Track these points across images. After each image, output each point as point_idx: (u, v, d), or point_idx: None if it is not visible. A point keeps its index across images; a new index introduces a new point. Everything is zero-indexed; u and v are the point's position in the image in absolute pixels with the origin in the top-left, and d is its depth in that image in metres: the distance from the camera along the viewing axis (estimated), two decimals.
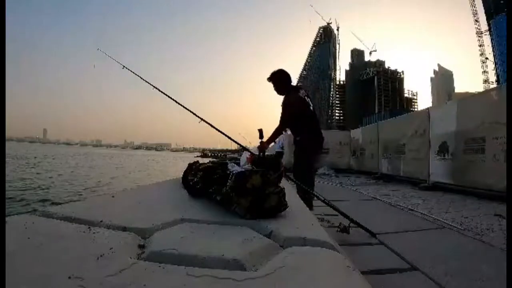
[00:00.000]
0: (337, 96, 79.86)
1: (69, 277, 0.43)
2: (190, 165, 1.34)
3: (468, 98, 5.44)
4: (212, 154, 60.91)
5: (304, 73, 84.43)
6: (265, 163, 1.41)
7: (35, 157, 26.05)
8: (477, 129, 4.29)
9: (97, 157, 36.18)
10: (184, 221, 0.79)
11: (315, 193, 2.50)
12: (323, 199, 2.42)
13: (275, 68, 3.06)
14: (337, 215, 2.22)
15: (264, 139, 2.61)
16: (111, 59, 2.31)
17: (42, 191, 8.09)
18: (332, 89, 78.68)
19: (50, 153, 37.45)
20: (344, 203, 3.51)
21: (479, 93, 5.71)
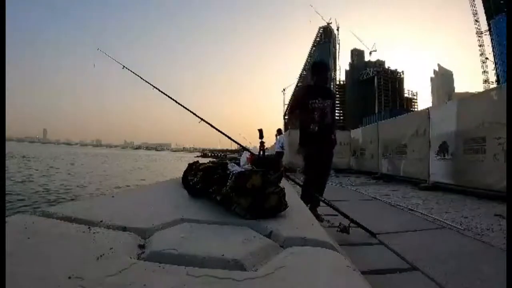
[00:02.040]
0: (337, 96, 79.92)
1: (69, 277, 0.43)
2: (190, 165, 1.34)
3: (468, 98, 5.44)
4: (212, 154, 60.91)
5: (304, 73, 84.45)
6: (265, 163, 1.41)
7: None
8: (477, 129, 4.29)
9: (94, 159, 30.08)
10: (184, 221, 0.79)
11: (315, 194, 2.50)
12: (323, 199, 2.42)
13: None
14: (337, 215, 2.22)
15: (264, 139, 2.61)
16: (111, 59, 2.31)
17: None
18: (332, 89, 78.70)
19: (40, 154, 30.97)
20: (344, 203, 3.50)
21: (479, 93, 5.72)
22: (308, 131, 2.61)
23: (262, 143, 3.01)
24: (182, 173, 1.36)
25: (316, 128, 2.53)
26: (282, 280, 0.48)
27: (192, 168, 1.29)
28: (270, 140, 11.26)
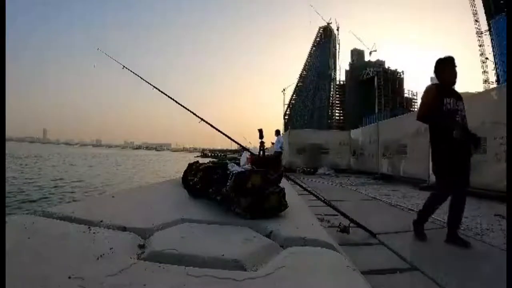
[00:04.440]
0: (337, 96, 79.89)
1: (69, 277, 0.43)
2: (190, 165, 1.34)
3: (468, 98, 5.43)
4: (212, 154, 60.97)
5: (304, 73, 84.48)
6: (265, 163, 1.41)
7: None
8: (478, 129, 4.29)
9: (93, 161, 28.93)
10: (184, 221, 0.79)
11: (314, 193, 2.50)
12: (323, 199, 2.42)
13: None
14: (337, 215, 2.22)
15: (264, 139, 2.59)
16: (111, 59, 2.31)
17: None
18: (332, 89, 78.71)
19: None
20: (344, 203, 3.51)
21: (479, 93, 5.71)
22: (449, 138, 2.14)
23: (262, 143, 3.01)
24: (182, 173, 1.36)
25: (459, 134, 2.10)
26: (282, 280, 0.48)
27: (192, 168, 1.29)
28: (270, 140, 11.27)
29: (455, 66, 2.27)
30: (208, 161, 1.38)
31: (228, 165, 1.09)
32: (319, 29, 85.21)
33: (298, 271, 0.52)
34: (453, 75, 2.27)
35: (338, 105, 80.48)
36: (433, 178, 5.16)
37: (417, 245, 2.01)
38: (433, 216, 2.87)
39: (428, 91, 2.31)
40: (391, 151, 6.99)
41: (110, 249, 0.55)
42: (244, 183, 0.87)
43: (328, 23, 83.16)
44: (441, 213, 3.05)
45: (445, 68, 2.28)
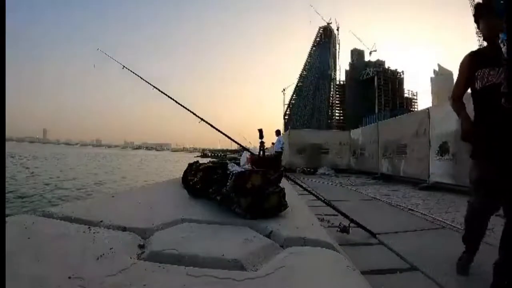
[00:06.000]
0: (337, 96, 79.97)
1: (69, 277, 0.43)
2: (190, 165, 1.34)
3: (468, 97, 5.43)
4: (212, 154, 61.04)
5: (304, 73, 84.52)
6: (265, 163, 1.40)
7: None
8: None
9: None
10: (184, 221, 0.79)
11: (314, 193, 2.50)
12: (323, 199, 2.42)
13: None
14: (337, 215, 2.22)
15: (264, 139, 2.59)
16: (111, 59, 2.31)
17: None
18: (332, 89, 78.78)
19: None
20: (344, 203, 3.51)
21: None
22: (481, 130, 1.45)
23: (262, 143, 3.01)
24: (182, 173, 1.36)
25: (494, 122, 1.36)
26: (282, 280, 0.48)
27: (192, 168, 1.29)
28: (270, 139, 11.28)
29: (496, 14, 1.45)
30: (208, 161, 1.38)
31: (228, 165, 1.10)
32: (319, 29, 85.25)
33: (298, 271, 0.52)
34: (492, 27, 1.45)
35: (338, 105, 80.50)
36: (433, 178, 5.18)
37: (417, 245, 2.01)
38: (432, 216, 2.88)
39: (461, 64, 1.60)
40: (391, 151, 6.99)
41: (110, 249, 0.55)
42: (244, 183, 0.87)
43: (328, 23, 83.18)
44: (442, 213, 3.05)
45: (482, 19, 1.50)
